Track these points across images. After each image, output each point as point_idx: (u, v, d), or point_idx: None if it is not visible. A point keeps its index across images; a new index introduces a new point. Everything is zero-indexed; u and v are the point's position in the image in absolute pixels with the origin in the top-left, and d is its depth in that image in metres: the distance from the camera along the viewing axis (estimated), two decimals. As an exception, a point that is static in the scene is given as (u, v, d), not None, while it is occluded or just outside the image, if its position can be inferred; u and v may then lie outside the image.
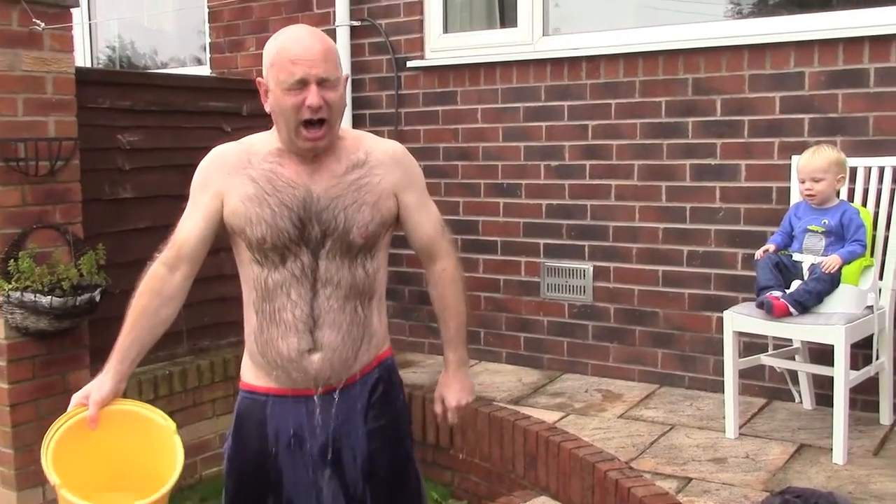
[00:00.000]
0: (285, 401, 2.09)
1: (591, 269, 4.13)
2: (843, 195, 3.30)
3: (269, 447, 2.10)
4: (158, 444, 2.01)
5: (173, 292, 2.07)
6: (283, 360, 2.05)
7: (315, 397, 2.08)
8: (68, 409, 2.02)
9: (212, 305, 3.84)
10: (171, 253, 2.07)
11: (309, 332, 2.03)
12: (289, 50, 1.95)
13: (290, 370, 2.05)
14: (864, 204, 3.30)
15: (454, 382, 2.27)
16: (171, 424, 2.03)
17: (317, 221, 2.01)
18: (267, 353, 2.06)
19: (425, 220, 2.18)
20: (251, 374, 2.14)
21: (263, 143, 2.08)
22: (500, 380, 4.15)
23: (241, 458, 2.14)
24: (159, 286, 2.06)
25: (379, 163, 2.09)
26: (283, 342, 2.03)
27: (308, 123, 1.96)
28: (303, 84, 1.94)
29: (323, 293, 2.03)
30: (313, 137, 1.98)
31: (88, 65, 6.30)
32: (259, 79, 2.04)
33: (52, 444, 1.93)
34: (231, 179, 2.04)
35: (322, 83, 1.95)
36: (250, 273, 2.07)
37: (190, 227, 2.06)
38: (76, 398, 2.03)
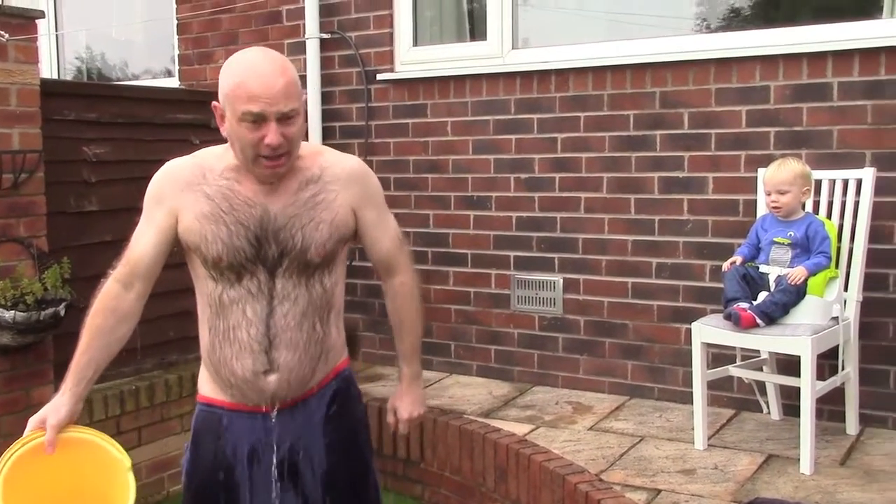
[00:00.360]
0: (242, 415, 2.06)
1: (561, 281, 4.14)
2: (809, 207, 3.34)
3: (227, 461, 2.07)
4: (113, 477, 1.98)
5: (128, 310, 2.04)
6: (238, 380, 2.01)
7: (272, 414, 2.05)
8: (24, 434, 1.97)
9: (179, 319, 3.79)
10: (125, 270, 2.03)
11: (265, 352, 1.99)
12: (247, 85, 1.87)
13: (246, 390, 2.02)
14: (829, 216, 3.34)
15: (408, 394, 2.29)
16: (125, 460, 1.99)
17: (273, 241, 1.97)
18: (221, 371, 2.03)
19: (384, 234, 2.17)
20: (207, 387, 2.11)
21: (218, 158, 2.02)
22: (471, 392, 4.14)
23: (198, 473, 2.11)
24: (114, 304, 2.02)
25: (335, 178, 2.05)
26: (238, 362, 2.00)
27: (267, 157, 1.91)
28: (262, 119, 1.87)
29: (280, 310, 1.99)
30: (273, 166, 1.93)
31: (56, 76, 6.24)
32: (215, 103, 1.97)
33: (5, 470, 1.89)
34: (185, 196, 1.99)
35: (282, 119, 1.89)
36: (205, 288, 2.03)
37: (144, 245, 2.02)
38: (32, 422, 1.98)
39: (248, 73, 1.89)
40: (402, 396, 2.30)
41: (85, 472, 1.98)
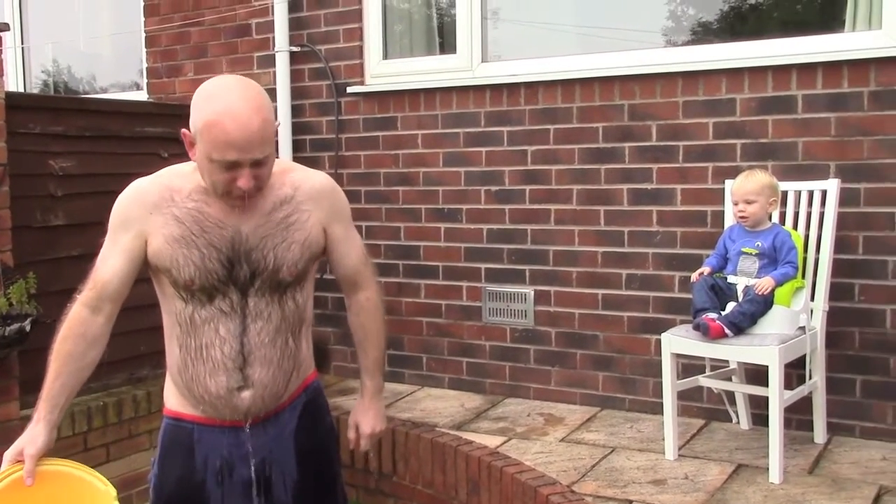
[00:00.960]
0: (212, 430, 2.04)
1: (533, 293, 4.15)
2: (776, 218, 3.38)
3: (197, 475, 2.05)
4: None
5: (98, 334, 2.00)
6: (212, 398, 1.99)
7: (244, 428, 2.04)
8: (0, 469, 1.93)
9: (148, 334, 3.72)
10: (92, 294, 1.99)
11: (239, 369, 1.98)
12: (223, 127, 1.80)
13: (219, 406, 2.00)
14: (795, 227, 3.38)
15: (369, 410, 2.27)
16: (111, 490, 1.93)
17: (245, 261, 1.96)
18: (193, 388, 2.00)
19: (351, 250, 2.16)
20: (176, 401, 2.08)
21: (186, 178, 1.98)
22: (443, 405, 4.14)
23: (167, 487, 2.09)
24: (82, 329, 1.98)
25: (307, 197, 2.04)
26: (212, 380, 1.98)
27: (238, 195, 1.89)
28: (236, 166, 1.84)
29: (253, 328, 1.98)
30: (242, 200, 1.91)
31: (22, 90, 6.17)
32: (184, 131, 1.92)
33: None
34: (154, 219, 1.95)
35: (255, 164, 1.86)
36: (173, 307, 2.00)
37: (111, 268, 1.98)
38: (8, 455, 1.94)
39: (223, 115, 1.82)
40: (364, 411, 2.27)
41: (70, 501, 1.93)
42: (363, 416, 2.26)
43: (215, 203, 1.96)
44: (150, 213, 1.96)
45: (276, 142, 2.03)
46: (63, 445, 3.65)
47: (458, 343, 4.38)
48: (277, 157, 2.00)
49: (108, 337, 2.04)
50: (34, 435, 1.95)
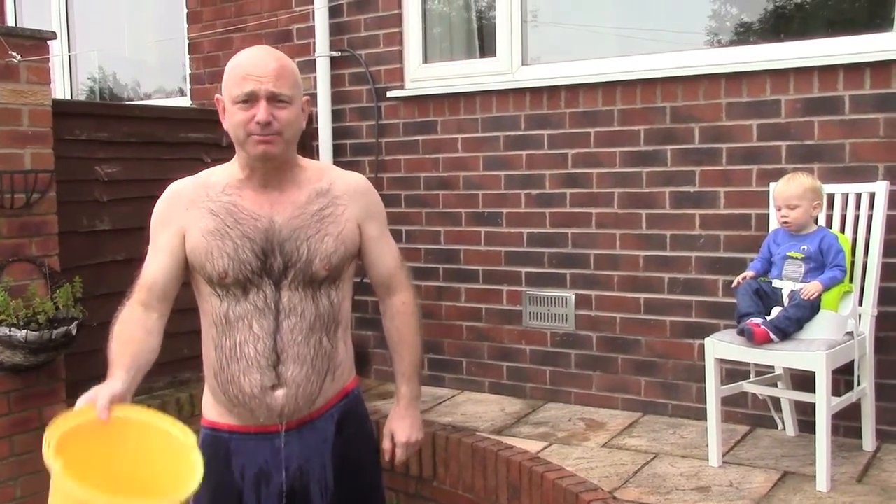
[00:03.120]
0: (249, 438, 2.05)
1: (573, 297, 4.13)
2: (822, 221, 3.32)
3: (235, 485, 2.05)
4: (171, 463, 1.80)
5: (154, 328, 2.00)
6: (246, 398, 2.00)
7: (280, 434, 2.04)
8: (74, 408, 1.77)
9: (191, 337, 3.79)
10: (141, 295, 2.00)
11: (272, 367, 1.98)
12: (242, 65, 1.94)
13: (253, 407, 2.00)
14: (843, 230, 3.31)
15: (405, 418, 2.20)
16: (189, 439, 1.80)
17: (279, 252, 1.98)
18: (228, 390, 2.01)
19: (386, 252, 2.16)
20: (213, 412, 2.09)
21: (221, 175, 2.05)
22: (483, 409, 4.12)
23: (205, 496, 2.05)
24: (139, 323, 1.97)
25: (343, 192, 2.07)
26: (246, 378, 1.98)
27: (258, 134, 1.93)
28: (253, 98, 1.91)
29: (286, 325, 1.98)
30: (264, 141, 1.93)
31: (69, 97, 6.28)
32: (218, 96, 2.02)
33: (55, 437, 1.68)
34: (190, 214, 2.00)
35: (272, 99, 1.92)
36: (209, 306, 2.02)
37: (155, 267, 2.01)
38: (83, 400, 1.78)
39: (244, 56, 1.98)
40: (400, 419, 2.21)
41: (145, 452, 1.81)
42: (399, 424, 2.20)
43: (249, 194, 2.00)
44: (187, 209, 2.01)
45: (303, 122, 2.03)
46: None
47: (499, 347, 4.37)
48: (317, 160, 2.02)
49: (161, 338, 2.02)
50: (110, 383, 1.81)
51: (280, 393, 1.99)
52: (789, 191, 3.21)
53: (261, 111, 1.90)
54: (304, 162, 2.10)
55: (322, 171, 2.11)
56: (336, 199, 2.05)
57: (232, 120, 1.95)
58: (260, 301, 1.98)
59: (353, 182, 2.12)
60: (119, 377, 1.84)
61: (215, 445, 2.07)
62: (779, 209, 3.25)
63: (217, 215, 1.98)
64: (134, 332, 1.96)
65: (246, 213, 1.98)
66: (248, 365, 1.98)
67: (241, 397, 2.00)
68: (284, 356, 1.99)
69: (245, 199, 2.00)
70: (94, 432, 1.75)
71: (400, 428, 2.20)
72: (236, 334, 1.98)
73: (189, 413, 4.05)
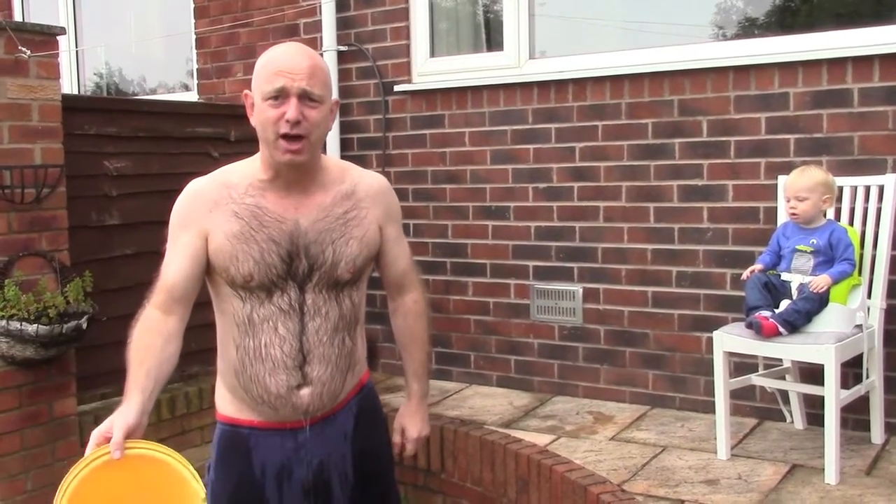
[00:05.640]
0: (269, 434, 2.04)
1: (581, 290, 4.13)
2: (830, 214, 3.31)
3: (256, 481, 2.04)
4: (176, 492, 1.82)
5: (172, 332, 1.96)
6: (271, 397, 1.99)
7: (303, 429, 2.03)
8: (87, 450, 1.80)
9: (200, 331, 3.79)
10: (161, 297, 1.97)
11: (298, 368, 1.97)
12: (275, 61, 1.92)
13: (278, 406, 2.00)
14: (851, 223, 3.31)
15: (416, 414, 2.25)
16: (200, 491, 1.82)
17: (305, 256, 1.96)
18: (252, 389, 2.00)
19: (401, 253, 2.17)
20: (231, 407, 2.07)
21: (242, 175, 2.00)
22: (491, 403, 4.13)
23: (225, 493, 2.07)
24: (157, 328, 1.95)
25: (366, 195, 2.06)
26: (272, 379, 1.97)
27: (286, 137, 1.89)
28: (284, 95, 1.88)
29: (311, 326, 1.98)
30: (291, 150, 1.90)
31: (76, 92, 6.30)
32: (247, 91, 1.99)
33: (69, 490, 1.74)
34: (213, 217, 1.96)
35: (304, 97, 1.89)
36: (230, 307, 1.99)
37: (175, 269, 1.97)
38: (96, 434, 1.81)
39: (279, 52, 1.95)
40: (411, 415, 2.26)
41: (152, 484, 1.82)
42: (410, 420, 2.25)
43: (273, 197, 1.97)
44: (210, 211, 1.97)
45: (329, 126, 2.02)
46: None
47: (506, 341, 4.37)
48: (325, 152, 2.01)
49: (182, 338, 2.00)
50: (125, 412, 1.82)
51: (306, 392, 1.99)
52: (800, 183, 3.21)
53: (291, 109, 1.88)
54: (327, 161, 2.07)
55: (344, 171, 2.09)
56: (360, 201, 2.04)
57: (261, 117, 1.92)
58: (284, 303, 1.96)
59: (376, 184, 2.11)
60: (134, 402, 1.84)
61: (234, 441, 2.06)
62: (787, 200, 3.25)
63: (241, 218, 1.95)
64: (152, 341, 1.93)
65: (271, 216, 1.95)
66: (273, 366, 1.97)
67: (266, 396, 1.99)
68: (310, 357, 1.98)
69: (269, 202, 1.97)
70: (106, 469, 1.78)
71: (411, 423, 2.25)
72: (261, 335, 1.97)
73: (198, 407, 4.07)
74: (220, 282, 1.99)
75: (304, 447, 2.04)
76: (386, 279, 2.20)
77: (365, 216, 2.04)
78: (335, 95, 4.57)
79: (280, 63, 1.90)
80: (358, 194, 2.05)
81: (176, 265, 1.98)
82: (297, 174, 1.98)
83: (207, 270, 2.00)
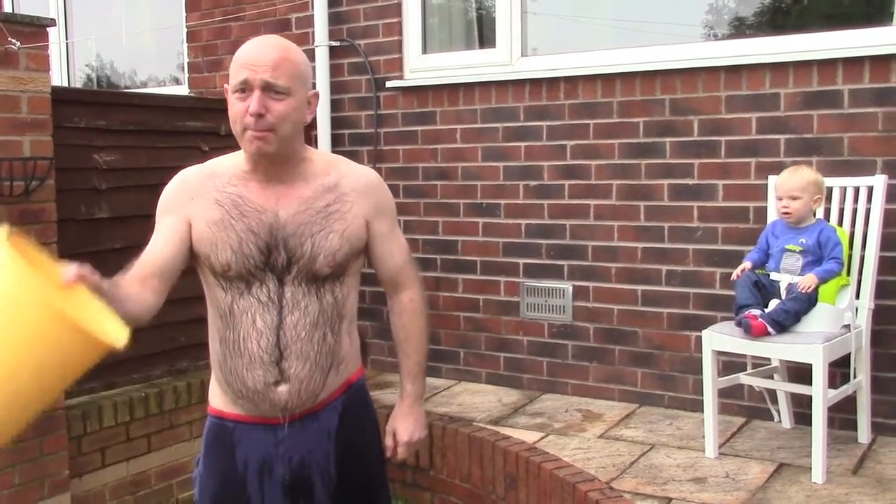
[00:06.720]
0: (252, 428, 2.03)
1: (571, 288, 4.13)
2: (820, 214, 3.33)
3: (239, 474, 2.04)
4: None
5: (146, 296, 1.91)
6: (249, 392, 1.98)
7: (283, 426, 2.02)
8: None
9: (188, 326, 3.80)
10: (138, 269, 1.94)
11: (275, 363, 1.96)
12: (241, 53, 1.92)
13: (257, 402, 1.99)
14: (840, 223, 3.32)
15: (409, 416, 2.16)
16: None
17: (283, 248, 1.95)
18: (232, 383, 2.00)
19: (395, 249, 2.12)
20: (219, 400, 2.08)
21: (227, 165, 2.01)
22: (480, 400, 4.14)
23: (211, 485, 2.08)
24: (132, 283, 1.89)
25: (351, 189, 2.02)
26: (249, 374, 1.97)
27: (252, 130, 1.88)
28: (249, 88, 1.87)
29: (290, 320, 1.96)
30: (258, 137, 1.88)
31: (66, 84, 6.26)
32: (225, 85, 1.98)
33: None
34: (195, 204, 1.97)
35: (267, 89, 1.87)
36: (215, 298, 2.00)
37: (154, 245, 1.97)
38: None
39: (248, 44, 1.94)
40: (403, 417, 2.16)
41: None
42: (402, 422, 2.15)
43: (255, 187, 1.97)
44: (192, 199, 1.98)
45: (304, 118, 1.98)
46: (106, 435, 3.73)
47: (496, 338, 4.37)
48: (316, 147, 1.99)
49: (153, 311, 1.94)
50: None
51: (283, 389, 1.98)
52: (792, 182, 3.22)
53: (253, 102, 1.86)
54: (313, 154, 2.05)
55: (330, 164, 2.06)
56: (344, 195, 2.01)
57: (231, 110, 1.93)
58: (263, 295, 1.95)
59: (364, 178, 2.07)
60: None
61: (221, 434, 2.07)
62: (779, 199, 3.26)
63: (222, 206, 1.96)
64: (126, 282, 1.89)
65: (251, 206, 1.95)
66: (251, 360, 1.96)
67: (245, 391, 1.99)
68: (287, 352, 1.96)
69: (251, 192, 1.97)
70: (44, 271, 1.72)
71: (403, 426, 2.16)
72: (240, 328, 1.96)
73: (186, 402, 4.05)
74: (208, 272, 2.00)
75: (283, 444, 2.03)
76: (380, 275, 2.16)
77: (349, 210, 2.01)
78: (322, 89, 4.63)
79: (245, 55, 1.90)
80: (342, 188, 2.02)
81: (154, 243, 1.98)
82: (273, 165, 1.96)
83: (196, 260, 2.01)
